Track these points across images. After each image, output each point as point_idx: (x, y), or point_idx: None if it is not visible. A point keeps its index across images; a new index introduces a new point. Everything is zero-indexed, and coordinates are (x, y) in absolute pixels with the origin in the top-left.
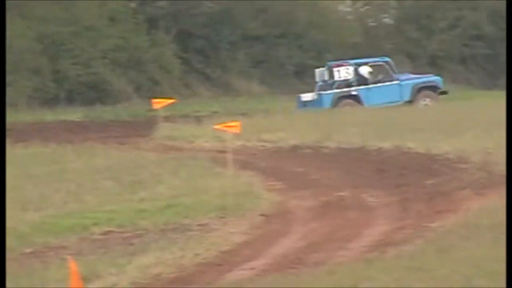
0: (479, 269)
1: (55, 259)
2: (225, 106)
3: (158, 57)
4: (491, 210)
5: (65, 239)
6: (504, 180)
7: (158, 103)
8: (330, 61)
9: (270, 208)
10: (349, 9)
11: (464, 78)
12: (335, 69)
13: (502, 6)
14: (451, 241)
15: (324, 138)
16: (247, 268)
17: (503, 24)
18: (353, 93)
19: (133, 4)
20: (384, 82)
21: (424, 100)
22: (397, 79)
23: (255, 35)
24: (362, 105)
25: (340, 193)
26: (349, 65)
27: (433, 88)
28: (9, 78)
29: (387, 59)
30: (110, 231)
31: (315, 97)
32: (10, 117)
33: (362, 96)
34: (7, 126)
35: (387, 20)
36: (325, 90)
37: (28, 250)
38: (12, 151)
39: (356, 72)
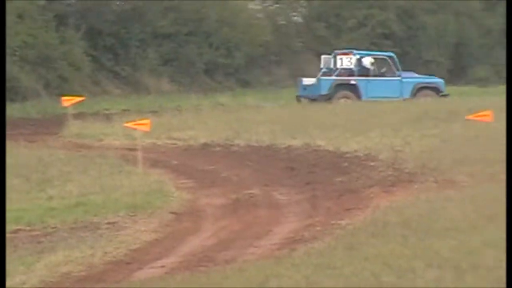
0: (387, 266)
1: None
2: (135, 104)
3: (67, 54)
4: (399, 207)
5: None
6: (412, 177)
7: (68, 101)
8: (336, 49)
9: (180, 206)
10: (259, 7)
11: None
12: (338, 57)
13: (410, 5)
14: (359, 238)
15: (234, 136)
16: (157, 266)
17: (411, 23)
18: (352, 82)
19: (41, 2)
20: (386, 76)
21: (425, 99)
22: (400, 75)
23: (165, 33)
24: (360, 97)
25: (250, 191)
26: (353, 54)
27: (434, 89)
28: None
29: (391, 54)
30: (19, 230)
31: (315, 82)
32: None
33: (361, 87)
34: None
35: (296, 19)
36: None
37: None
38: None
39: (359, 62)
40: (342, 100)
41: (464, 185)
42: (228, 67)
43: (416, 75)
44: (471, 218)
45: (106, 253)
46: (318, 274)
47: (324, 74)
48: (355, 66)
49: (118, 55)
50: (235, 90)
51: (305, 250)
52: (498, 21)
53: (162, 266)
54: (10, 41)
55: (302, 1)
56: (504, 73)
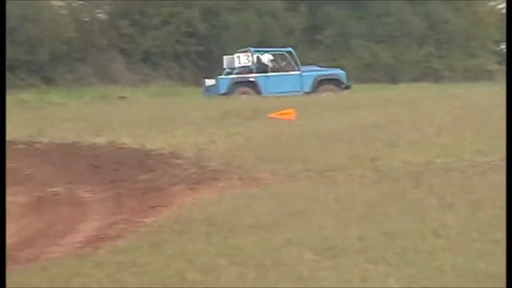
0: (191, 263)
1: None
2: None
3: None
4: (203, 204)
5: None
6: (216, 175)
7: None
8: (238, 48)
9: None
10: (62, 4)
11: (177, 74)
12: (235, 56)
13: (214, 3)
14: (164, 236)
15: (38, 134)
16: None
17: (214, 21)
18: (251, 79)
19: None
20: (285, 71)
21: (327, 94)
22: (299, 70)
23: None
24: (260, 93)
25: (53, 189)
26: (251, 52)
27: (335, 81)
28: None
29: (290, 49)
30: None
31: (214, 82)
32: None
33: (261, 84)
34: None
35: (101, 16)
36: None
37: None
38: None
39: (257, 59)
40: (243, 97)
41: (267, 183)
42: (31, 64)
43: (318, 68)
44: (274, 215)
45: None
46: (122, 272)
47: (227, 74)
48: (253, 63)
49: None
50: (39, 87)
51: (109, 248)
52: (301, 20)
53: None
54: None
55: None
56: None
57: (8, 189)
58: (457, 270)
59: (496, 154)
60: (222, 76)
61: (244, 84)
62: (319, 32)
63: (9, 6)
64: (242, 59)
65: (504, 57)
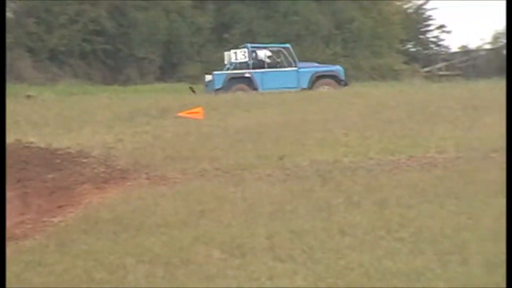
0: (98, 262)
1: None
2: None
3: None
4: (111, 204)
5: None
6: (124, 174)
7: None
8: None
9: None
10: None
11: (85, 73)
12: (232, 52)
13: (121, 2)
14: (71, 235)
15: None
16: None
17: (122, 20)
18: (247, 75)
19: None
20: (282, 67)
21: (323, 88)
22: (296, 66)
23: None
24: (256, 89)
25: None
26: (247, 48)
27: (333, 77)
28: None
29: (287, 45)
30: None
31: (211, 77)
32: None
33: (257, 80)
34: None
35: (7, 14)
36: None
37: None
38: None
39: (255, 55)
40: (239, 93)
41: (176, 182)
42: None
43: (316, 64)
44: (182, 214)
45: None
46: (29, 272)
47: (228, 70)
48: (249, 59)
49: None
50: None
51: (16, 248)
52: (208, 19)
53: None
54: None
55: None
56: (212, 70)
57: None
58: (364, 268)
59: (402, 153)
60: (218, 72)
61: (240, 80)
62: (227, 30)
63: None
64: (239, 54)
65: (410, 57)
